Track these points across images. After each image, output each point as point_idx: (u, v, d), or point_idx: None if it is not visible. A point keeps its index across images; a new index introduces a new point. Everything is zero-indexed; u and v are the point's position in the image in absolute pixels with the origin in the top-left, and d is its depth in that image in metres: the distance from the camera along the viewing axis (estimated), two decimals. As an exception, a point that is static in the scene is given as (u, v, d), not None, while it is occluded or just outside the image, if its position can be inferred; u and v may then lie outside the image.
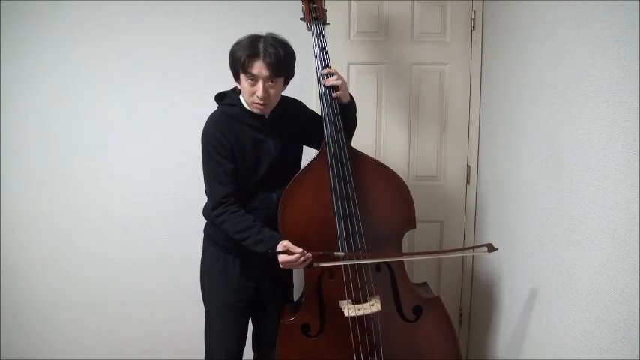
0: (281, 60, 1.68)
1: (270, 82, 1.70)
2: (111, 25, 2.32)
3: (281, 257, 1.67)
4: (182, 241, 2.43)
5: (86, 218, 2.43)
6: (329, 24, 1.93)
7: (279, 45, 1.70)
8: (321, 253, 1.71)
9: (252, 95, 1.72)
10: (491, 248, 1.72)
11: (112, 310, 2.49)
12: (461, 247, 2.44)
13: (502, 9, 2.17)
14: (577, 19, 1.53)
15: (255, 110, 1.77)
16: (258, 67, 1.67)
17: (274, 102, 1.78)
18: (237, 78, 1.77)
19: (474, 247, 1.75)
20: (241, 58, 1.67)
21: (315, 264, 1.70)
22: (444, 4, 2.38)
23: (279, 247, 1.67)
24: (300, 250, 1.67)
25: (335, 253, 1.72)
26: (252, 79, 1.69)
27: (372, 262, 1.82)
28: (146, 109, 2.38)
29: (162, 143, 2.41)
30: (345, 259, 1.75)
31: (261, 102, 1.72)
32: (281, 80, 1.74)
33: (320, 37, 1.86)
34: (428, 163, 2.48)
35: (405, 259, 1.79)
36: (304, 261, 1.68)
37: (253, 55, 1.66)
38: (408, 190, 1.88)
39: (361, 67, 2.40)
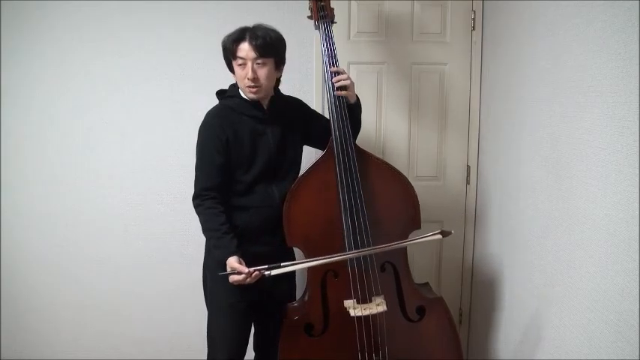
0: (267, 41, 1.73)
1: (258, 63, 1.73)
2: (111, 25, 2.32)
3: (231, 277, 1.69)
4: (182, 241, 2.42)
5: (86, 218, 2.42)
6: (336, 22, 1.93)
7: (266, 29, 1.76)
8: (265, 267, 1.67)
9: (243, 79, 1.75)
10: (445, 233, 1.66)
11: (112, 310, 2.48)
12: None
13: (502, 9, 2.17)
14: (577, 19, 1.53)
15: (249, 95, 1.79)
16: (245, 50, 1.73)
17: (266, 85, 1.78)
18: (231, 69, 1.81)
19: (428, 235, 1.66)
20: (229, 44, 1.75)
21: (267, 273, 1.67)
22: (444, 4, 2.38)
23: (228, 269, 1.68)
24: (247, 270, 1.66)
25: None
26: (242, 64, 1.74)
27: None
28: (146, 109, 2.38)
29: (162, 143, 2.41)
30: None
31: (252, 84, 1.74)
32: (270, 61, 1.76)
33: (328, 35, 1.86)
34: (428, 163, 2.48)
35: (355, 254, 1.75)
36: (254, 277, 1.68)
37: (239, 39, 1.74)
38: (414, 190, 1.88)
39: (361, 66, 2.40)
